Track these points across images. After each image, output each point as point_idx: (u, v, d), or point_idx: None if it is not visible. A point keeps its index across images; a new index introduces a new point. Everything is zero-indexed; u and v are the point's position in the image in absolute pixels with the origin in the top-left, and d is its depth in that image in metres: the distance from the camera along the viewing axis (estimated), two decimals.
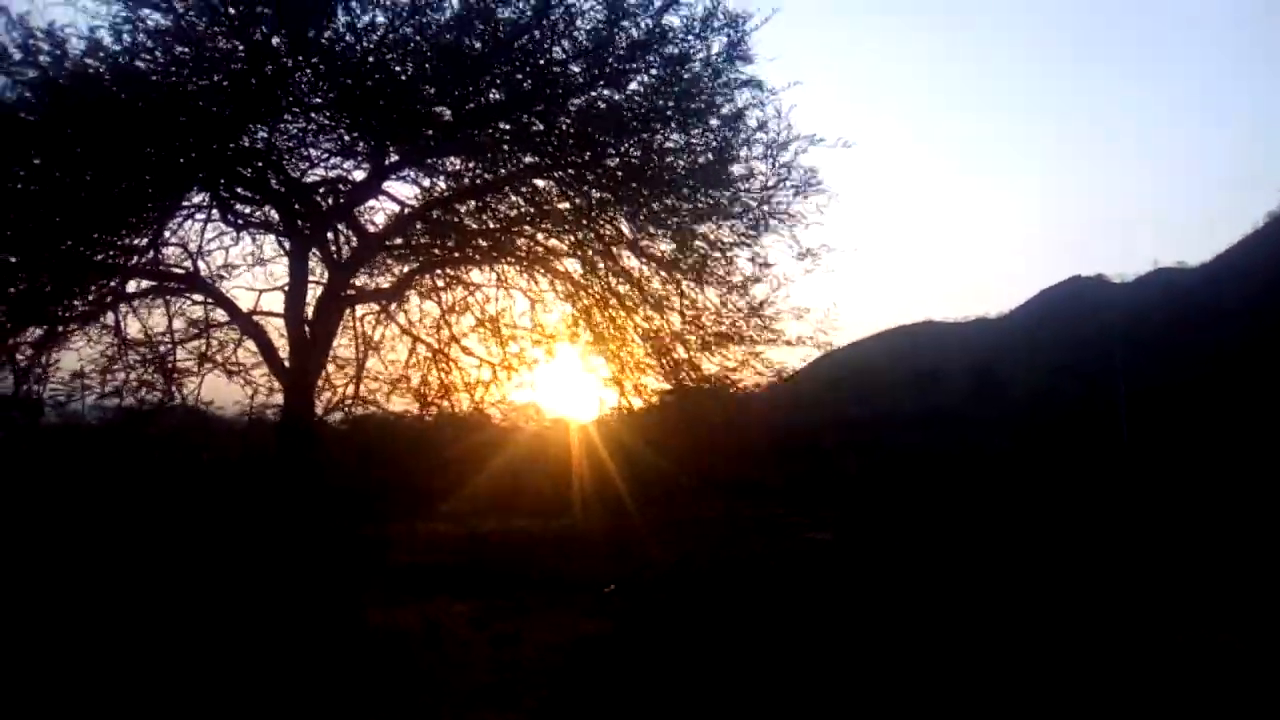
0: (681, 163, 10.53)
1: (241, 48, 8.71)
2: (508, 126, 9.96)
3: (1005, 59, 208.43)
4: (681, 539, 19.24)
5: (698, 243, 11.17)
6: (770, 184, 10.82)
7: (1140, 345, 51.36)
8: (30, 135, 8.35)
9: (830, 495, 26.75)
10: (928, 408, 48.66)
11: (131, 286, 10.73)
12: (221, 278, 10.96)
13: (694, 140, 10.49)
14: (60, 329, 10.45)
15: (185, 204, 10.32)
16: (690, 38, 9.67)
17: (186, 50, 8.65)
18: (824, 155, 10.99)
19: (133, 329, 10.99)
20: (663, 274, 11.50)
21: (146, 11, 8.29)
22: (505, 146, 10.24)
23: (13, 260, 9.14)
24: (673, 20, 9.48)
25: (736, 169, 10.77)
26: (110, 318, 10.64)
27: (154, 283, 10.56)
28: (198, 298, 10.91)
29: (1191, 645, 9.27)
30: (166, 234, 10.42)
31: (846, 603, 12.12)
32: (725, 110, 10.26)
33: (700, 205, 10.93)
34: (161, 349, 11.00)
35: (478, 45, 8.78)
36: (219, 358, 11.38)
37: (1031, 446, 35.33)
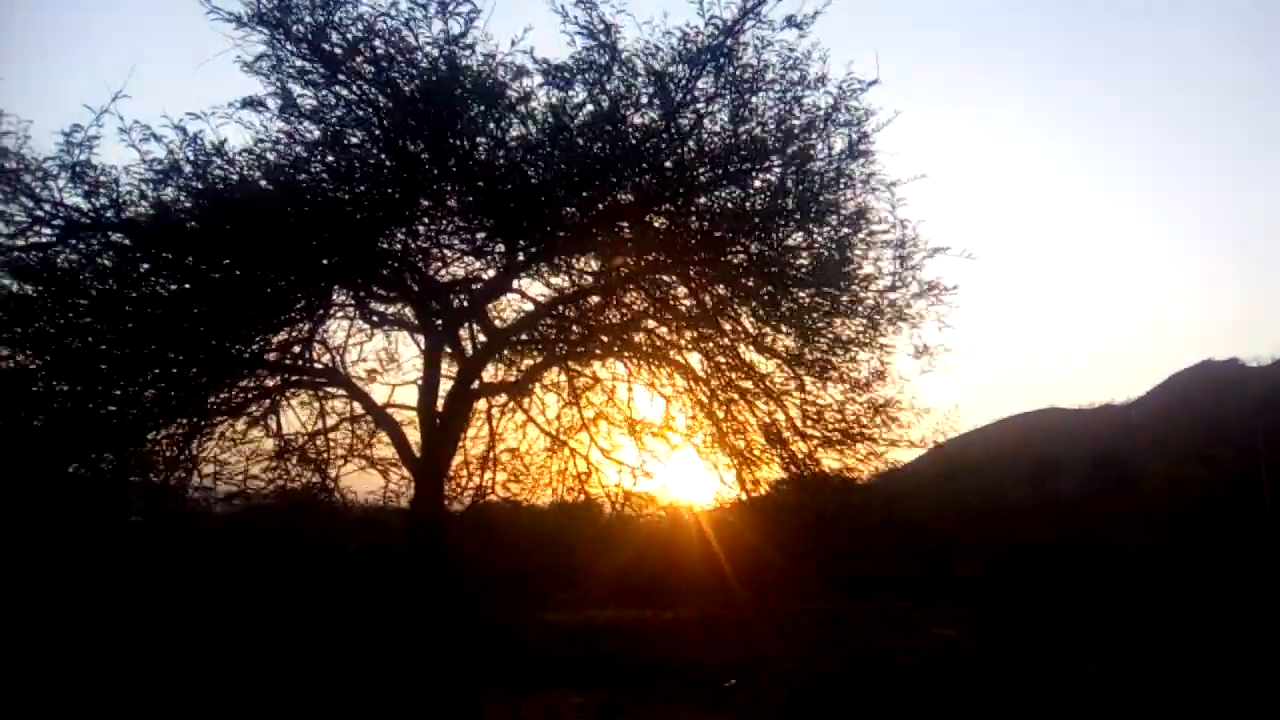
0: (803, 260, 10.65)
1: (387, 158, 9.26)
2: (635, 226, 10.27)
3: (1133, 137, 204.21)
4: (800, 632, 18.91)
5: (820, 339, 11.21)
6: (892, 284, 10.87)
7: None
8: (193, 241, 8.96)
9: (952, 589, 25.92)
10: (1051, 498, 46.89)
11: (274, 381, 11.32)
12: (373, 372, 11.54)
13: (816, 238, 10.61)
14: (208, 421, 11.02)
15: (330, 304, 10.89)
16: (813, 136, 9.87)
17: (337, 161, 9.24)
18: (948, 244, 10.93)
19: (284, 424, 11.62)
20: (785, 369, 11.56)
21: (305, 125, 8.96)
22: (631, 245, 10.55)
23: (169, 355, 9.68)
24: (796, 121, 9.70)
25: (858, 267, 10.84)
26: (256, 411, 11.23)
27: (298, 377, 11.10)
28: (339, 392, 11.41)
29: None
30: (313, 332, 10.99)
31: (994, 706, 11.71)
32: (848, 209, 10.40)
33: (821, 302, 11.00)
34: (304, 442, 11.55)
35: (607, 150, 9.11)
36: (357, 450, 11.89)
37: (1165, 538, 33.60)
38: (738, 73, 9.06)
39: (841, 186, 10.22)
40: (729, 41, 8.67)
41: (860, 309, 11.07)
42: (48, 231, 8.53)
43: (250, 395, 11.01)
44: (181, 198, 8.96)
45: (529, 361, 12.37)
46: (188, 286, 9.47)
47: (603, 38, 8.37)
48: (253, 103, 8.70)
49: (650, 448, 12.54)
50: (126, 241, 8.99)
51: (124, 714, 11.06)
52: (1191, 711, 11.29)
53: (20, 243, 8.48)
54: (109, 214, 8.55)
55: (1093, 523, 37.33)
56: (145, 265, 9.23)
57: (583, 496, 12.86)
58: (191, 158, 8.50)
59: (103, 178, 8.35)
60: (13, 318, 8.68)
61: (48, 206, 8.29)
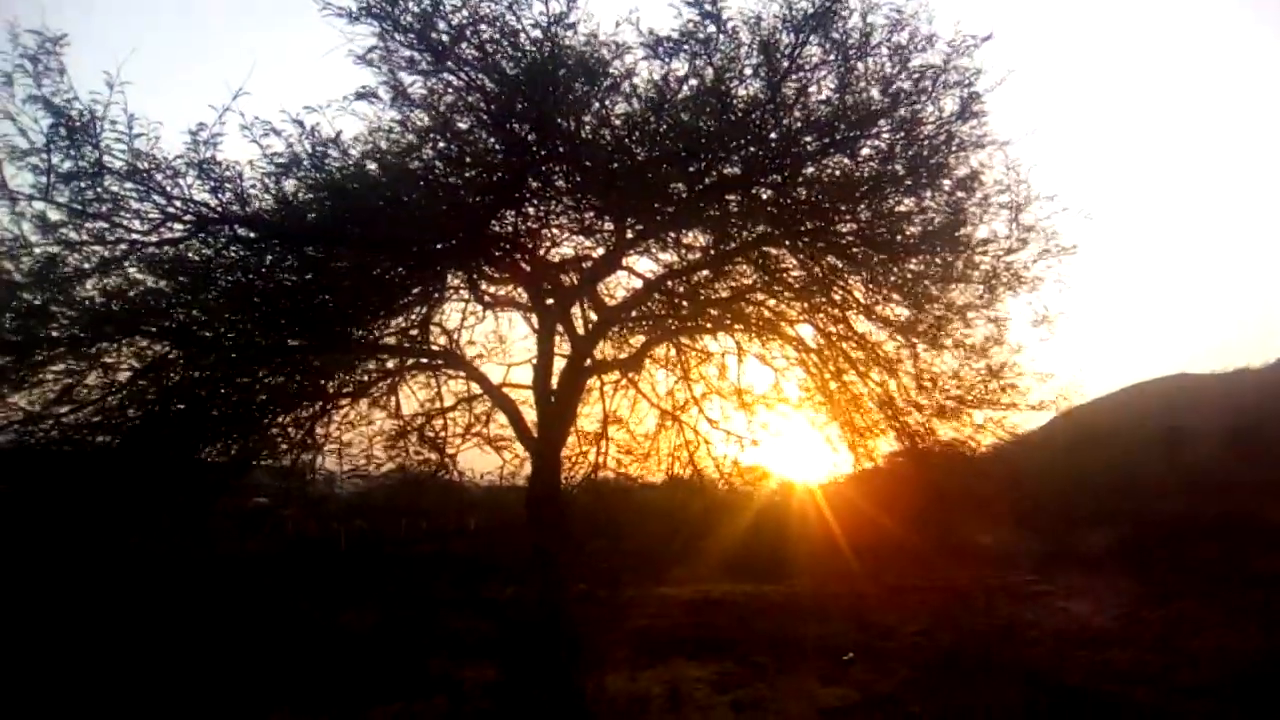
0: (915, 227, 10.44)
1: (496, 141, 9.42)
2: (742, 199, 10.21)
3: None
4: (920, 606, 18.64)
5: (934, 306, 11.00)
6: (1009, 248, 10.58)
7: None
8: (313, 231, 9.27)
9: (1081, 561, 25.16)
10: (1184, 468, 44.95)
11: (394, 364, 11.67)
12: (480, 357, 11.80)
13: (927, 203, 10.38)
14: (332, 404, 11.44)
15: (445, 287, 11.16)
16: (922, 98, 9.64)
17: (448, 146, 9.44)
18: (1068, 207, 10.54)
19: (405, 406, 11.98)
20: (897, 338, 11.40)
21: (416, 113, 9.18)
22: (739, 218, 10.49)
23: (295, 342, 10.05)
24: (904, 85, 9.50)
25: (972, 231, 10.59)
26: (377, 394, 11.61)
27: (419, 360, 11.41)
28: (456, 373, 11.69)
29: None
30: (430, 315, 11.29)
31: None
32: (959, 172, 10.14)
33: (934, 269, 10.78)
34: (423, 422, 11.88)
35: (713, 124, 9.07)
36: (476, 430, 12.17)
37: None
38: (843, 38, 8.91)
39: (953, 149, 9.97)
40: (834, 6, 8.53)
41: (976, 274, 10.82)
42: (179, 227, 8.87)
43: (371, 378, 11.38)
44: (301, 190, 9.25)
45: (640, 338, 12.47)
46: (310, 276, 9.80)
47: (708, 6, 8.32)
48: (365, 94, 8.95)
49: (761, 420, 12.57)
50: (252, 235, 9.31)
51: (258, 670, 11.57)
52: None
53: (154, 238, 8.86)
54: (234, 208, 8.87)
55: (1229, 494, 35.65)
56: (270, 257, 9.57)
57: (693, 470, 12.95)
58: (309, 150, 8.75)
59: (227, 173, 8.64)
60: (150, 311, 9.09)
61: (178, 203, 8.60)
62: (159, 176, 8.37)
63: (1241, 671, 11.57)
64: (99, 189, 8.28)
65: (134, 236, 8.71)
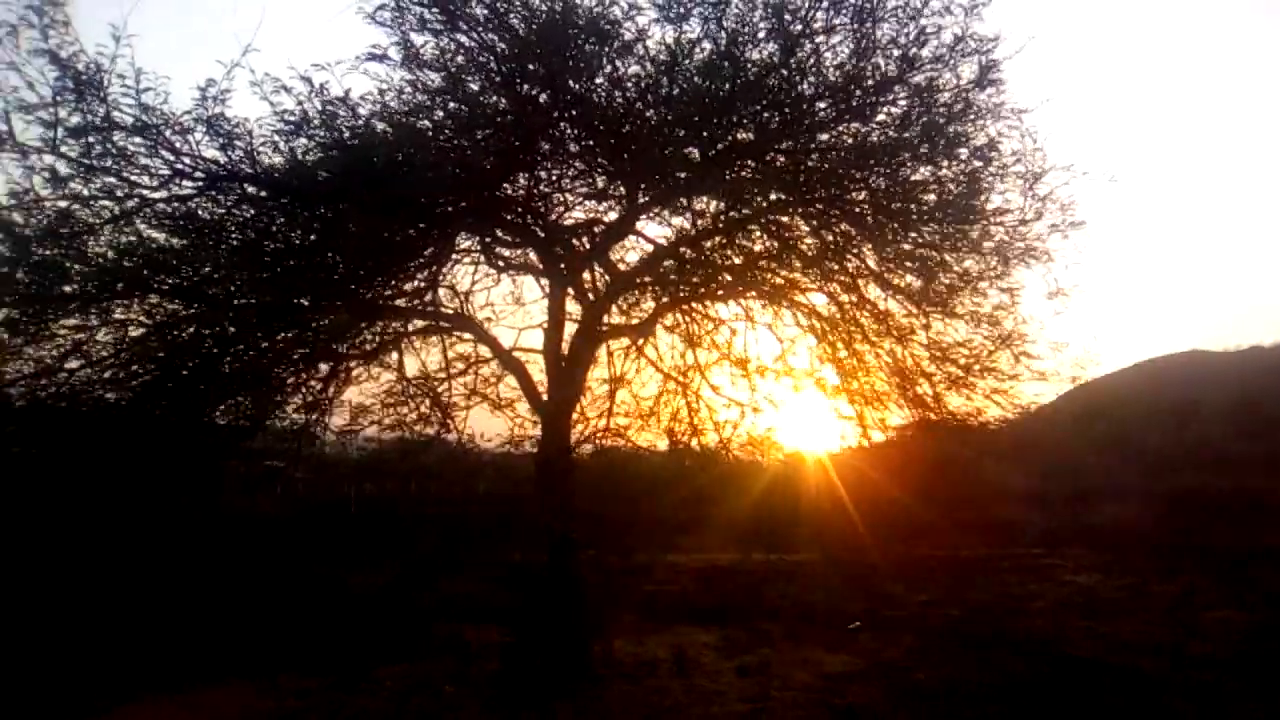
0: (930, 196, 10.34)
1: (506, 103, 9.35)
2: (755, 165, 10.12)
3: None
4: (927, 577, 18.68)
5: (946, 275, 10.92)
6: (1025, 219, 10.47)
7: None
8: (323, 191, 9.22)
9: (1090, 535, 25.16)
10: (1193, 445, 44.79)
11: (405, 326, 11.66)
12: (490, 320, 11.78)
13: (943, 172, 10.28)
14: (343, 366, 11.46)
15: (456, 250, 11.12)
16: (939, 65, 9.53)
17: (460, 107, 9.37)
18: (1084, 179, 10.42)
19: (410, 367, 11.98)
20: (909, 307, 11.32)
21: (427, 74, 9.11)
22: (752, 184, 10.40)
23: (304, 303, 10.03)
24: (920, 51, 9.37)
25: (986, 201, 10.48)
26: (391, 356, 11.62)
27: (429, 322, 11.40)
28: (466, 335, 11.69)
29: None
30: (440, 277, 11.26)
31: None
32: (976, 140, 10.02)
33: (949, 239, 10.70)
34: (436, 385, 11.89)
35: (727, 88, 8.98)
36: (485, 392, 12.18)
37: None
38: (858, 1, 8.80)
39: (970, 118, 9.86)
40: None
41: (989, 245, 10.74)
42: (188, 184, 8.81)
43: (382, 340, 11.38)
44: (311, 149, 9.19)
45: (650, 304, 12.42)
46: (320, 235, 9.76)
47: None
48: (376, 55, 8.89)
49: (769, 389, 12.52)
50: (261, 193, 9.27)
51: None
52: None
53: (163, 195, 8.81)
54: (244, 166, 8.82)
55: (1238, 470, 35.53)
56: (280, 216, 9.53)
57: (693, 433, 12.90)
58: (319, 109, 8.71)
59: (237, 130, 8.58)
60: (161, 267, 9.06)
61: (187, 160, 8.53)
62: (168, 132, 8.31)
63: (1247, 645, 11.60)
64: (107, 144, 8.23)
65: (144, 192, 8.66)
